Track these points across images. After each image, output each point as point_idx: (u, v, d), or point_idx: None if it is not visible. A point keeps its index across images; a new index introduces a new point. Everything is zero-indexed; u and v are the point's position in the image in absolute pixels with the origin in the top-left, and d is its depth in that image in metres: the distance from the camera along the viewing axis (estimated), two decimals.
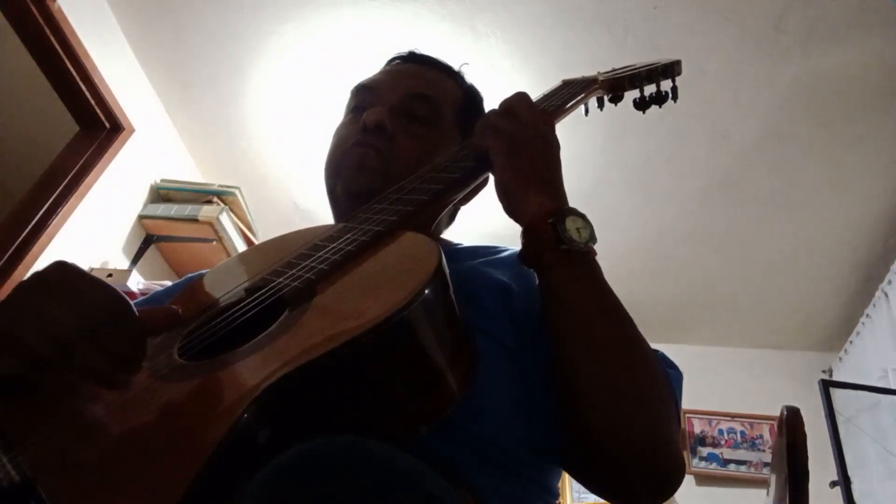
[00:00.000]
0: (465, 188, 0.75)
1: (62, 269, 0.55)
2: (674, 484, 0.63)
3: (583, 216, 0.67)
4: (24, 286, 0.55)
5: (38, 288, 0.54)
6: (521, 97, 0.76)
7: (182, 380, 0.55)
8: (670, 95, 0.91)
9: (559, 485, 0.84)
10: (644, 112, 0.93)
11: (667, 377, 0.68)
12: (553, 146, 0.74)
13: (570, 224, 0.65)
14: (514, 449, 0.66)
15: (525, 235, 0.68)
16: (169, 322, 0.60)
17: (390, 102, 0.84)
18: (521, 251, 0.69)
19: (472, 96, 0.94)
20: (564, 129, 0.79)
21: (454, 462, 0.61)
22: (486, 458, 0.64)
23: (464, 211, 0.93)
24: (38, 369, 0.51)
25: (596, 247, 0.67)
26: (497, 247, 0.85)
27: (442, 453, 0.59)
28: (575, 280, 0.65)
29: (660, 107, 0.92)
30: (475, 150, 0.75)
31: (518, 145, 0.71)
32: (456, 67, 0.95)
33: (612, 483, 0.64)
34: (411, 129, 0.83)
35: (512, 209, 0.70)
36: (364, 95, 0.88)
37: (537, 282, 0.69)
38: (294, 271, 0.63)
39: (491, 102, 0.79)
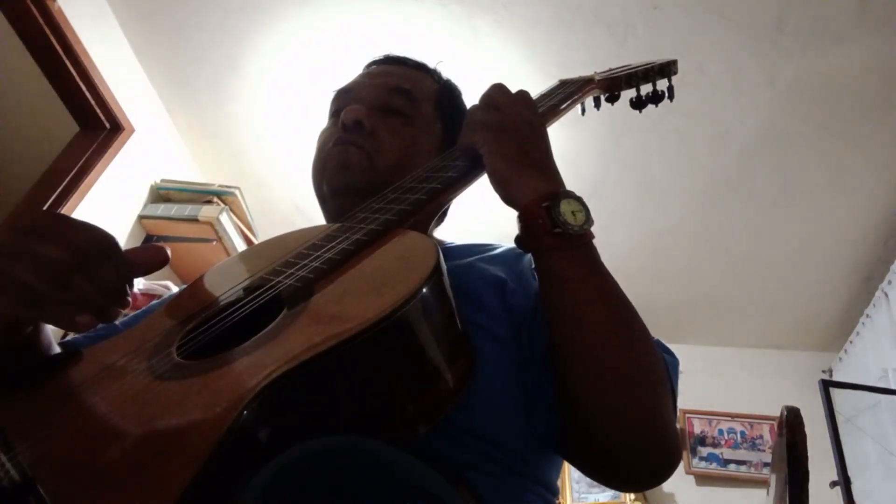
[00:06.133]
0: (463, 187, 0.76)
1: (45, 213, 0.58)
2: (670, 464, 0.63)
3: (579, 199, 0.67)
4: (12, 231, 0.56)
5: (26, 231, 0.56)
6: (497, 87, 0.77)
7: (181, 378, 0.55)
8: (667, 95, 0.92)
9: (559, 483, 0.85)
10: (640, 111, 0.94)
11: (664, 360, 0.68)
12: (538, 129, 0.75)
13: (566, 207, 0.65)
14: (514, 446, 0.66)
15: (520, 220, 0.68)
16: (154, 261, 0.61)
17: (368, 100, 0.86)
18: (517, 235, 0.69)
19: (449, 89, 0.96)
20: (565, 129, 0.79)
21: (453, 460, 0.61)
22: (486, 455, 0.64)
23: (467, 213, 0.93)
24: (35, 305, 0.53)
25: (596, 247, 0.67)
26: (490, 244, 0.86)
27: (441, 451, 0.59)
28: (571, 263, 0.65)
29: (656, 106, 0.93)
30: (465, 148, 0.76)
31: (503, 133, 0.72)
32: (431, 65, 0.97)
33: (611, 465, 0.64)
34: (390, 123, 0.85)
35: (507, 196, 0.70)
36: (343, 98, 0.91)
37: (534, 266, 0.69)
38: (293, 270, 0.63)
39: None
